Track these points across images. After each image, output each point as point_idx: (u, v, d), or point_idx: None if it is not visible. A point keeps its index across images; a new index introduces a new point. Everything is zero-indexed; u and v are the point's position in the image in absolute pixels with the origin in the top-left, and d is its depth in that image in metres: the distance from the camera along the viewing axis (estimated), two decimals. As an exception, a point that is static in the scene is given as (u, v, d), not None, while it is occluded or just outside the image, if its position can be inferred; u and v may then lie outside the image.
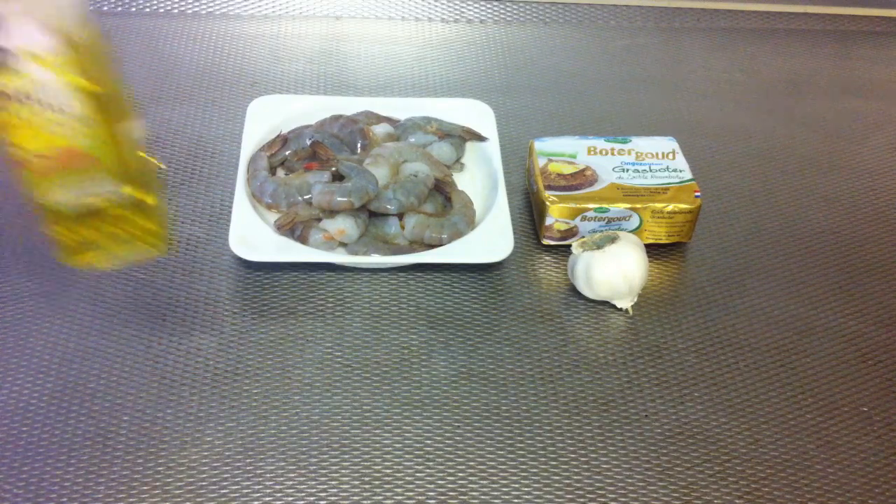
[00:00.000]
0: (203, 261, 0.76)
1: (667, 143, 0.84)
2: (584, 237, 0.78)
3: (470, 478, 0.64)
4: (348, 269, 0.77)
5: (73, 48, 0.47)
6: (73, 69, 0.47)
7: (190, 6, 1.05)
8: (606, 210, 0.78)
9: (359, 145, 0.83)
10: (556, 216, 0.78)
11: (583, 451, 0.66)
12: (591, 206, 0.78)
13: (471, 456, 0.65)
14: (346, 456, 0.64)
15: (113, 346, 0.69)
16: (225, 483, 0.62)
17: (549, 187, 0.79)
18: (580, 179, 0.80)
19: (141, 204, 0.55)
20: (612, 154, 0.82)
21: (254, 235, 0.74)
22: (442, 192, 0.81)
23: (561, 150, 0.82)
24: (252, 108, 0.86)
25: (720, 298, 0.77)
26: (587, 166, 0.81)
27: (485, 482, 0.63)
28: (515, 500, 0.63)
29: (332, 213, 0.76)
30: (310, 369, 0.69)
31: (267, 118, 0.85)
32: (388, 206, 0.77)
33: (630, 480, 0.64)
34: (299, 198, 0.78)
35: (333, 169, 0.78)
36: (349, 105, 0.88)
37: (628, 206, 0.78)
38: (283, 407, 0.67)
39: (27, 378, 0.67)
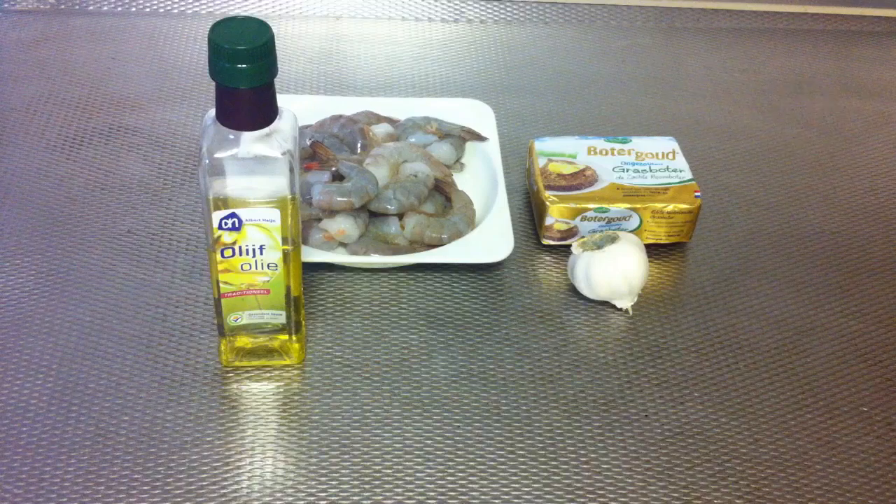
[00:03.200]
0: (203, 261, 0.76)
1: (667, 143, 0.84)
2: (584, 237, 0.78)
3: (470, 478, 0.64)
4: (348, 269, 0.77)
5: (283, 219, 0.61)
6: (278, 233, 0.61)
7: (190, 6, 1.05)
8: (606, 210, 0.78)
9: (359, 145, 0.83)
10: (556, 216, 0.78)
11: (583, 451, 0.66)
12: (591, 206, 0.78)
13: (471, 456, 0.65)
14: (346, 456, 0.64)
15: (113, 346, 0.69)
16: (225, 483, 0.62)
17: (549, 187, 0.79)
18: (580, 179, 0.80)
19: (291, 325, 0.67)
20: (612, 154, 0.82)
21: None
22: (442, 192, 0.81)
23: (561, 150, 0.82)
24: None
25: (720, 298, 0.77)
26: (587, 166, 0.81)
27: (485, 482, 0.63)
28: (515, 500, 0.63)
29: (332, 213, 0.76)
30: (310, 369, 0.69)
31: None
32: (388, 206, 0.77)
33: (630, 480, 0.64)
34: (299, 198, 0.78)
35: (333, 169, 0.78)
36: (349, 105, 0.88)
37: (628, 206, 0.78)
38: (284, 407, 0.67)
39: (27, 378, 0.67)
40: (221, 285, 0.63)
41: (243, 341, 0.67)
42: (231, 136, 0.57)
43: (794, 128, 0.97)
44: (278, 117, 0.58)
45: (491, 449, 0.65)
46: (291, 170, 0.59)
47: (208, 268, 0.66)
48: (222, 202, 0.60)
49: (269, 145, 0.58)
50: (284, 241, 0.62)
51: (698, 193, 0.79)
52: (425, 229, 0.77)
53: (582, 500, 0.63)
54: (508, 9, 1.09)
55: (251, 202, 0.60)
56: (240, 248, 0.62)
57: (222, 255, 0.62)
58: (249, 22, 0.55)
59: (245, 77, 0.55)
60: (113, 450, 0.63)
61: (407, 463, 0.64)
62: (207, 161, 0.57)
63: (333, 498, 0.62)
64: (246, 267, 0.63)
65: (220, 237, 0.61)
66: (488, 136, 0.85)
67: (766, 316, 0.76)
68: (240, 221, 0.60)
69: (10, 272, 0.74)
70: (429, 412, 0.67)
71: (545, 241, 0.80)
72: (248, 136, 0.57)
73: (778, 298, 0.78)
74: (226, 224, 0.60)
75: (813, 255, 0.82)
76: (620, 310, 0.76)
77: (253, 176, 0.59)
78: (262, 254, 0.62)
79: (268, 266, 0.63)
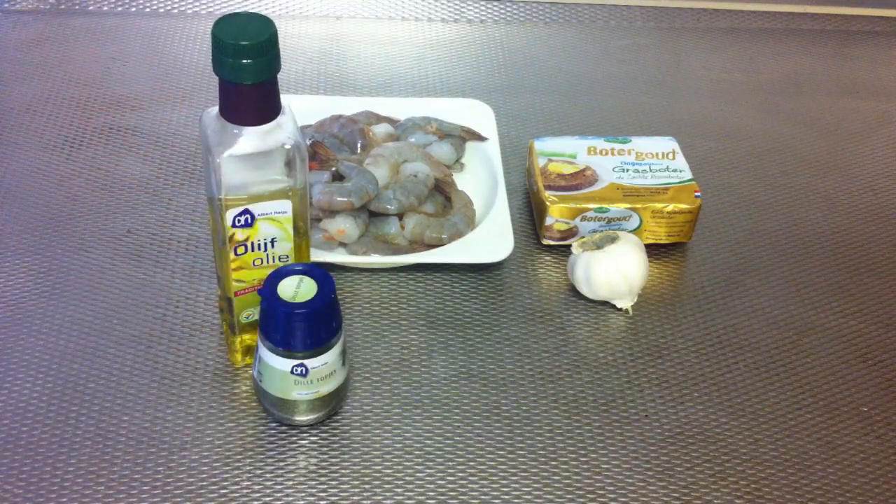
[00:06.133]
0: (203, 261, 0.76)
1: (667, 143, 0.84)
2: (584, 237, 0.78)
3: (470, 478, 0.64)
4: (348, 269, 0.77)
5: (294, 209, 0.61)
6: (290, 224, 0.62)
7: (190, 6, 1.05)
8: (606, 210, 0.78)
9: (359, 145, 0.83)
10: (556, 216, 0.78)
11: (583, 451, 0.66)
12: (591, 206, 0.78)
13: (471, 456, 0.65)
14: (346, 456, 0.64)
15: (113, 346, 0.69)
16: (225, 483, 0.62)
17: (549, 187, 0.79)
18: (580, 179, 0.80)
19: None
20: (612, 154, 0.82)
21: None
22: (442, 192, 0.81)
23: (561, 150, 0.82)
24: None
25: (720, 298, 0.77)
26: (587, 166, 0.81)
27: (485, 482, 0.63)
28: (515, 500, 0.63)
29: (332, 213, 0.76)
30: (310, 369, 0.69)
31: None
32: (388, 206, 0.77)
33: (630, 480, 0.64)
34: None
35: (333, 169, 0.78)
36: (349, 105, 0.88)
37: (628, 206, 0.78)
38: (283, 407, 0.67)
39: (27, 378, 0.67)
40: (234, 283, 0.63)
41: (251, 339, 0.67)
42: (236, 132, 0.57)
43: (794, 128, 0.97)
44: (281, 112, 0.58)
45: (491, 449, 0.65)
46: (302, 160, 0.59)
47: (213, 268, 0.66)
48: (234, 200, 0.60)
49: (276, 138, 0.58)
50: (296, 231, 0.62)
51: (698, 193, 0.79)
52: (425, 229, 0.77)
53: (582, 500, 0.63)
54: (508, 9, 1.09)
55: (262, 196, 0.60)
56: (252, 243, 0.62)
57: (235, 254, 0.62)
58: (252, 18, 0.56)
59: (252, 72, 0.55)
60: (113, 450, 0.63)
61: (407, 463, 0.64)
62: (217, 160, 0.57)
63: (333, 498, 0.62)
64: (258, 262, 0.63)
65: (233, 235, 0.61)
66: (488, 136, 0.85)
67: (766, 316, 0.76)
68: (252, 217, 0.61)
69: (10, 272, 0.74)
70: (429, 412, 0.67)
71: (545, 241, 0.80)
72: (253, 132, 0.58)
73: (778, 298, 0.78)
74: (239, 221, 0.60)
75: (813, 255, 0.82)
76: (620, 310, 0.76)
77: (262, 170, 0.60)
78: (273, 247, 0.62)
79: (279, 259, 0.63)
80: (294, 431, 0.65)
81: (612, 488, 0.64)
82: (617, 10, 1.10)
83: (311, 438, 0.65)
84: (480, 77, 1.00)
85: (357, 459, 0.64)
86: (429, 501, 0.62)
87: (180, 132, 0.89)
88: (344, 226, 0.76)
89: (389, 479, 0.63)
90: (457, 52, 1.03)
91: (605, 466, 0.65)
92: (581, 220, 0.78)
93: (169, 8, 1.05)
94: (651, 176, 0.80)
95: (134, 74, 0.96)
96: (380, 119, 0.87)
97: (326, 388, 0.63)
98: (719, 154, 0.92)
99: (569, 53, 1.05)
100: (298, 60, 1.00)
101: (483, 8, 1.09)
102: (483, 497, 0.62)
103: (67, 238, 0.77)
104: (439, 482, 0.63)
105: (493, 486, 0.63)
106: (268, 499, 0.61)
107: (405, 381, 0.69)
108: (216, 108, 0.59)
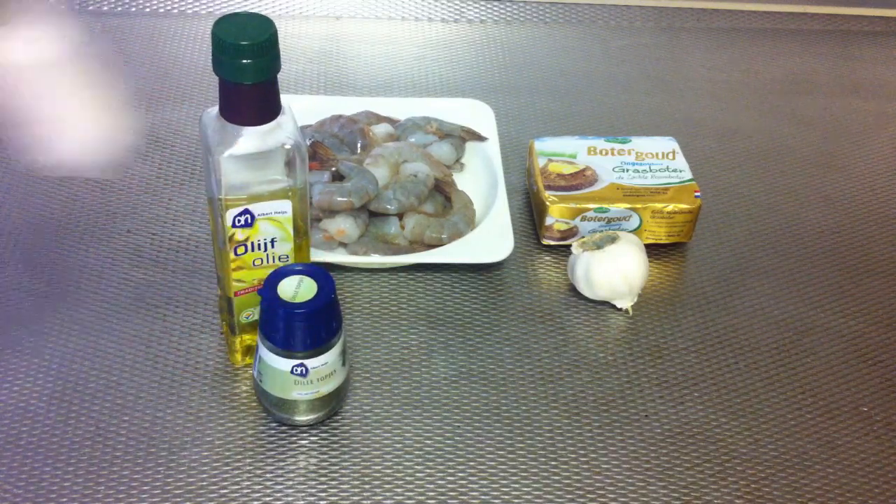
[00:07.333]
0: (203, 261, 0.76)
1: (667, 143, 0.84)
2: (584, 237, 0.78)
3: (470, 478, 0.64)
4: (348, 269, 0.77)
5: (294, 209, 0.61)
6: (289, 224, 0.62)
7: (190, 6, 1.05)
8: (606, 210, 0.78)
9: (359, 145, 0.83)
10: (556, 216, 0.78)
11: (583, 451, 0.66)
12: (591, 206, 0.78)
13: (471, 456, 0.65)
14: (346, 456, 0.64)
15: (113, 346, 0.69)
16: (225, 483, 0.62)
17: (549, 187, 0.79)
18: (580, 179, 0.80)
19: None
20: (612, 154, 0.82)
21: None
22: (442, 192, 0.81)
23: (561, 150, 0.82)
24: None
25: (720, 298, 0.77)
26: (587, 166, 0.81)
27: (485, 482, 0.63)
28: (515, 500, 0.63)
29: (332, 213, 0.76)
30: (310, 369, 0.69)
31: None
32: (388, 206, 0.77)
33: (630, 480, 0.64)
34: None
35: (333, 169, 0.78)
36: (349, 105, 0.88)
37: (628, 206, 0.78)
38: (283, 407, 0.67)
39: (27, 378, 0.67)
40: (234, 283, 0.63)
41: (251, 339, 0.67)
42: (236, 132, 0.58)
43: (794, 128, 0.97)
44: (282, 112, 0.59)
45: (491, 449, 0.65)
46: (302, 160, 0.59)
47: (213, 268, 0.65)
48: (234, 200, 0.60)
49: (276, 138, 0.58)
50: (296, 231, 0.62)
51: (698, 193, 0.79)
52: (425, 229, 0.77)
53: (582, 500, 0.63)
54: (508, 9, 1.09)
55: (262, 196, 0.60)
56: (252, 243, 0.62)
57: (235, 254, 0.62)
58: (252, 17, 0.56)
59: (252, 72, 0.55)
60: (113, 450, 0.63)
61: (407, 463, 0.64)
62: (217, 160, 0.58)
63: (333, 498, 0.62)
64: (258, 262, 0.63)
65: (233, 235, 0.61)
66: (488, 136, 0.85)
67: (766, 316, 0.76)
68: (252, 217, 0.61)
69: (9, 272, 0.74)
70: (429, 412, 0.67)
71: (545, 241, 0.80)
72: (253, 132, 0.58)
73: (778, 298, 0.78)
74: (239, 221, 0.60)
75: (813, 255, 0.82)
76: (620, 310, 0.76)
77: (262, 170, 0.60)
78: (273, 247, 0.63)
79: (279, 259, 0.63)
80: (294, 431, 0.65)
81: (612, 488, 0.64)
82: (617, 10, 1.10)
83: (311, 438, 0.65)
84: (480, 77, 1.00)
85: (357, 459, 0.64)
86: (429, 501, 0.62)
87: (180, 132, 0.89)
88: (344, 226, 0.76)
89: (389, 479, 0.63)
90: (457, 52, 1.03)
91: (605, 466, 0.65)
92: (581, 220, 0.78)
93: (169, 8, 1.05)
94: (651, 176, 0.80)
95: (134, 74, 0.96)
96: (380, 119, 0.87)
97: (326, 388, 0.63)
98: (719, 154, 0.92)
99: (569, 53, 1.05)
100: (298, 60, 1.00)
101: (483, 8, 1.09)
102: (483, 497, 0.62)
103: (67, 238, 0.77)
104: (439, 482, 0.63)
105: (493, 486, 0.63)
106: (268, 499, 0.61)
107: (405, 381, 0.69)
108: (216, 108, 0.59)
